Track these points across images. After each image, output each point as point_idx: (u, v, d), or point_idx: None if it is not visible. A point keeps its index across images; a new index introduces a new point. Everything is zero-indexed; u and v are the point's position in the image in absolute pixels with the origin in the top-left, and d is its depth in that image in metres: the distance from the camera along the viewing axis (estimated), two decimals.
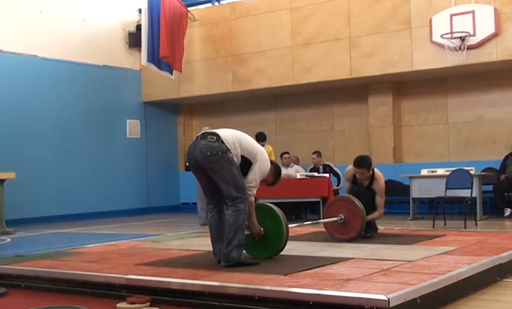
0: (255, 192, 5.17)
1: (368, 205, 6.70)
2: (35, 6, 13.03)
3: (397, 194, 11.50)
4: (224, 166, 4.98)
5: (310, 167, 12.34)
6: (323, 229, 6.93)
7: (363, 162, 6.81)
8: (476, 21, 11.00)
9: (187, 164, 5.72)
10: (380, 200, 6.80)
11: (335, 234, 6.59)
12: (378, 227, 7.14)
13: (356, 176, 6.89)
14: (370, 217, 6.67)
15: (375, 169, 6.93)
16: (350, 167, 6.95)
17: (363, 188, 6.83)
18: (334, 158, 13.39)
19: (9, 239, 9.55)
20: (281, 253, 5.37)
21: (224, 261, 4.94)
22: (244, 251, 5.43)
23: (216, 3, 15.43)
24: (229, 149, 5.03)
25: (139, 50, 14.16)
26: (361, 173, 6.81)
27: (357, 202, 6.50)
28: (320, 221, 7.10)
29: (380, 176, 6.92)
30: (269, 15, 13.49)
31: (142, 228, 10.80)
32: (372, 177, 6.84)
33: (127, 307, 4.08)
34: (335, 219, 6.55)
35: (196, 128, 15.74)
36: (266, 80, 13.49)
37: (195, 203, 12.44)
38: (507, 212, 10.70)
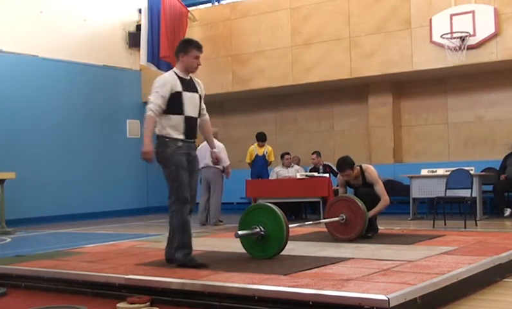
0: (152, 107, 4.96)
1: (376, 201, 6.71)
2: (35, 6, 13.03)
3: (397, 194, 11.48)
4: (162, 164, 5.08)
5: (310, 167, 12.34)
6: (324, 229, 6.93)
7: (343, 165, 6.82)
8: (476, 21, 11.00)
9: None
10: (378, 188, 6.78)
11: (336, 234, 6.59)
12: (378, 227, 7.14)
13: (346, 179, 6.89)
14: (376, 209, 6.67)
15: (362, 165, 6.93)
16: None
17: (362, 189, 6.82)
18: (334, 158, 13.35)
19: (9, 239, 9.55)
20: (281, 253, 5.37)
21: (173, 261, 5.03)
22: (245, 251, 5.46)
23: (216, 3, 15.43)
24: (163, 136, 5.01)
25: (139, 50, 14.15)
26: (347, 175, 6.82)
27: (360, 202, 6.49)
28: (321, 221, 7.10)
29: (368, 167, 6.94)
30: (269, 15, 13.49)
31: (142, 228, 10.79)
32: (362, 173, 6.84)
33: (127, 307, 4.08)
34: (336, 219, 6.55)
35: None
36: (266, 80, 13.49)
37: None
38: (507, 212, 10.69)
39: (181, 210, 5.01)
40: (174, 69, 5.18)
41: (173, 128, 5.00)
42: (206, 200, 11.00)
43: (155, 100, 4.97)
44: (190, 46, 5.10)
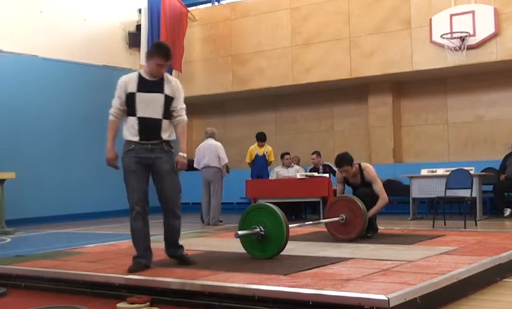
0: (111, 111, 4.96)
1: (376, 201, 6.71)
2: (35, 6, 13.03)
3: (397, 194, 11.49)
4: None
5: (310, 167, 12.34)
6: (324, 229, 6.93)
7: (342, 160, 6.82)
8: (476, 21, 11.01)
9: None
10: (377, 186, 6.77)
11: (336, 234, 6.59)
12: (378, 227, 7.14)
13: (344, 175, 6.89)
14: (375, 208, 6.66)
15: (361, 163, 6.94)
16: None
17: (362, 189, 6.82)
18: (334, 158, 13.28)
19: (9, 239, 9.55)
20: (281, 253, 5.37)
21: None
22: (245, 251, 5.46)
23: (216, 3, 15.44)
24: (125, 142, 4.92)
25: (139, 50, 14.16)
26: (345, 171, 6.81)
27: (360, 203, 6.49)
28: (321, 221, 7.10)
29: (367, 165, 6.95)
30: (269, 15, 13.50)
31: None
32: (361, 171, 6.84)
33: (127, 307, 4.09)
34: (336, 219, 6.55)
35: (196, 128, 15.74)
36: (266, 80, 13.49)
37: (194, 203, 12.44)
38: (507, 212, 10.69)
39: (130, 213, 4.93)
40: (142, 68, 5.09)
41: (129, 130, 4.92)
42: (208, 200, 11.01)
43: (114, 103, 4.96)
44: (155, 53, 4.95)
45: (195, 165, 11.27)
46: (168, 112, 4.95)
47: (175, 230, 5.08)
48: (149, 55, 4.99)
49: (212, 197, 10.94)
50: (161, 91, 4.93)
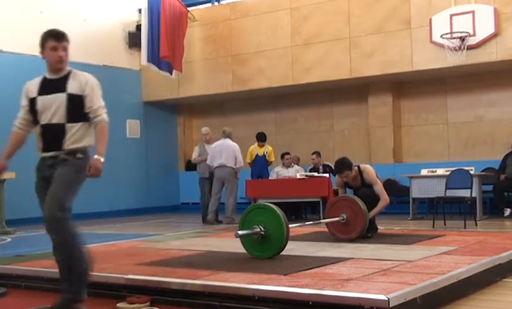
0: (15, 121, 4.51)
1: (376, 202, 6.70)
2: (35, 6, 13.02)
3: (397, 194, 11.49)
4: None
5: (310, 167, 12.35)
6: (324, 229, 6.93)
7: (342, 166, 6.81)
8: (476, 21, 11.00)
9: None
10: (377, 188, 6.77)
11: (337, 234, 6.59)
12: (378, 227, 7.14)
13: (344, 180, 6.88)
14: (376, 209, 6.66)
15: (359, 165, 6.94)
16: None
17: (362, 190, 6.82)
18: (334, 158, 13.28)
19: (9, 239, 9.55)
20: (281, 253, 5.37)
21: None
22: (245, 251, 5.47)
23: (216, 3, 15.43)
24: None
25: (139, 50, 14.16)
26: (346, 176, 6.80)
27: (360, 203, 6.49)
28: (322, 221, 7.10)
29: (366, 167, 6.95)
30: (269, 15, 13.49)
31: (142, 228, 10.80)
32: (360, 173, 6.84)
33: (127, 307, 4.09)
34: (337, 219, 6.55)
35: (196, 128, 15.74)
36: (266, 80, 13.49)
37: (194, 203, 12.43)
38: (507, 212, 10.70)
39: None
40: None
41: (37, 142, 4.24)
42: (218, 199, 11.05)
43: (19, 112, 4.35)
44: (44, 39, 4.30)
45: (208, 162, 11.22)
46: (78, 115, 4.11)
47: (60, 261, 4.20)
48: (41, 46, 4.32)
49: (227, 197, 11.00)
50: (62, 89, 4.13)
